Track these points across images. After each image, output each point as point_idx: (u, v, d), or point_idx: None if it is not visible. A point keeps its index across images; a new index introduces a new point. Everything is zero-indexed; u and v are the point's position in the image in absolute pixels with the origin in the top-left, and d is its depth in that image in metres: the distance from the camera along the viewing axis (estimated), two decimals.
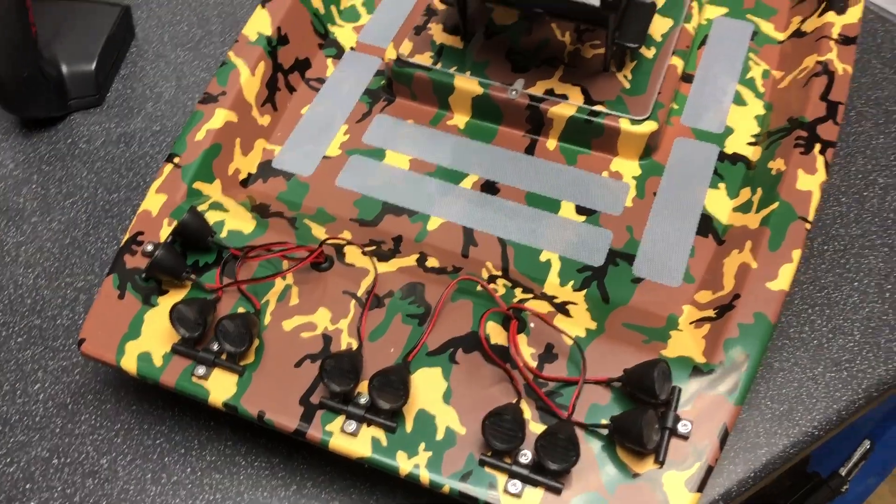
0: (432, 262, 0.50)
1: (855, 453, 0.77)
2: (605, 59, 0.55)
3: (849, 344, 0.51)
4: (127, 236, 0.50)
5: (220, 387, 0.45)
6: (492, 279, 0.49)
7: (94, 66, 0.65)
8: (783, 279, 0.46)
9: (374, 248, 0.50)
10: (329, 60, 0.61)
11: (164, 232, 0.50)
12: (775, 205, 0.48)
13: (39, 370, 0.52)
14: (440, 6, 0.60)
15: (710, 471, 0.41)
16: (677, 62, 0.57)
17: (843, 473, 0.78)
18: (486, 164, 0.55)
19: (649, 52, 0.57)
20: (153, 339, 0.47)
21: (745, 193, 0.52)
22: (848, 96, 0.57)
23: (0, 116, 0.65)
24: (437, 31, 0.59)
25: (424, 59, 0.57)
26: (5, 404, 0.51)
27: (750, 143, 0.54)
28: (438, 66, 0.57)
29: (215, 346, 0.46)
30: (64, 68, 0.64)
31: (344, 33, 0.63)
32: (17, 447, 0.49)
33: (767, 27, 0.60)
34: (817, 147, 0.50)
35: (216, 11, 0.72)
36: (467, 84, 0.56)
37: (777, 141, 0.52)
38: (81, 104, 0.65)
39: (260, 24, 0.58)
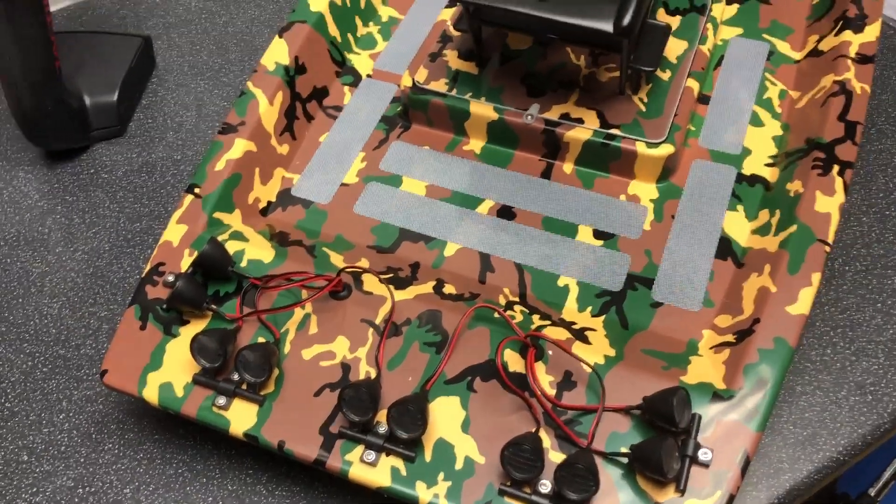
0: (449, 289, 0.50)
1: (885, 473, 0.76)
2: (621, 83, 0.55)
3: (873, 367, 0.51)
4: (148, 267, 0.51)
5: (240, 417, 0.46)
6: (509, 305, 0.49)
7: (115, 96, 0.66)
8: (803, 303, 0.45)
9: (391, 275, 0.51)
10: (346, 88, 0.62)
11: (185, 262, 0.51)
12: (794, 227, 0.48)
13: (64, 400, 0.53)
14: (455, 33, 0.61)
15: (731, 499, 0.41)
16: (693, 84, 0.56)
17: (873, 494, 0.77)
18: (502, 189, 0.55)
19: (665, 75, 0.57)
20: (174, 369, 0.47)
21: (764, 215, 0.51)
22: (867, 115, 0.57)
23: (25, 148, 0.67)
24: (452, 58, 0.59)
25: (440, 85, 0.58)
26: (31, 434, 0.52)
27: (768, 164, 0.54)
28: (454, 93, 0.57)
29: (236, 377, 0.46)
30: (86, 100, 0.65)
31: (361, 61, 0.63)
32: (43, 477, 0.50)
33: (784, 46, 0.60)
34: (835, 168, 0.50)
35: (234, 40, 0.73)
36: (483, 109, 0.56)
37: (795, 162, 0.52)
38: (104, 134, 0.67)
39: (277, 53, 0.59)
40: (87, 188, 0.64)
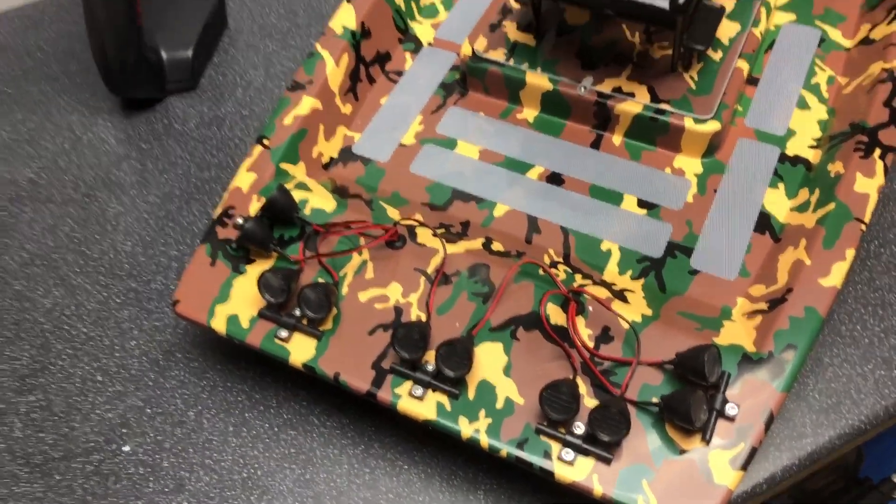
0: (497, 246, 0.53)
1: None
2: (673, 60, 0.57)
3: None
4: (219, 210, 0.55)
5: (300, 349, 0.49)
6: (553, 265, 0.52)
7: (190, 53, 0.70)
8: (835, 276, 0.47)
9: (443, 230, 0.54)
10: (408, 54, 0.65)
11: (253, 207, 0.55)
12: (832, 205, 0.50)
13: (135, 328, 0.58)
14: (515, 5, 0.63)
15: (754, 451, 0.44)
16: (743, 65, 0.58)
17: None
18: (552, 157, 0.58)
19: (716, 55, 0.59)
20: (241, 303, 0.51)
21: (804, 194, 0.53)
22: None
23: (104, 97, 0.71)
24: (511, 29, 0.62)
25: (498, 55, 0.61)
26: (105, 356, 0.56)
27: (811, 147, 0.56)
28: (511, 63, 0.60)
29: (297, 312, 0.50)
30: (163, 54, 0.70)
31: (423, 29, 0.66)
32: (116, 396, 0.55)
33: (835, 34, 0.61)
34: (877, 151, 0.51)
35: (302, 4, 0.76)
36: (538, 80, 0.59)
37: (837, 145, 0.54)
38: (177, 88, 0.71)
39: (345, 18, 0.62)
40: (161, 137, 0.68)
